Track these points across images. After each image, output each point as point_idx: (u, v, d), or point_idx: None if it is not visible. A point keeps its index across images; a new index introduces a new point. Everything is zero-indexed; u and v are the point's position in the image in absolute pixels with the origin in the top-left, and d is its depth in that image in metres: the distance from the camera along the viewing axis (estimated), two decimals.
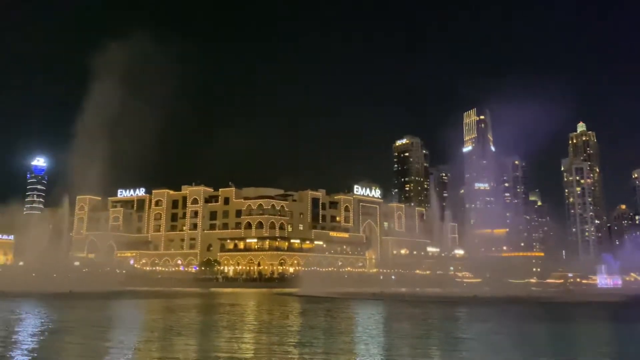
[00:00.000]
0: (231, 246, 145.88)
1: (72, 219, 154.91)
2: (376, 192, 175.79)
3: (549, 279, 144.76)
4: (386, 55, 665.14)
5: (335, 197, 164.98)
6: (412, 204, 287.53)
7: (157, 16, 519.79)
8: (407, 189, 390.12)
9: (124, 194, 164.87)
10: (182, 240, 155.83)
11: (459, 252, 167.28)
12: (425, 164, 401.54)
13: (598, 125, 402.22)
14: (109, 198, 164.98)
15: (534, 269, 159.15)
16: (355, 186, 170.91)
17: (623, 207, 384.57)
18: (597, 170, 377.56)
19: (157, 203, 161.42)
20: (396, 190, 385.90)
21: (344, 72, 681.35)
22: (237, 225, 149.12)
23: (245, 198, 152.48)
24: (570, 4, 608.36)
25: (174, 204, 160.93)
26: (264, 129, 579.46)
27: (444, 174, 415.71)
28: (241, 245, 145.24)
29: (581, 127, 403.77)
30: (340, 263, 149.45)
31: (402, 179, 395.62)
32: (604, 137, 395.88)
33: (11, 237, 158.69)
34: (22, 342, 24.33)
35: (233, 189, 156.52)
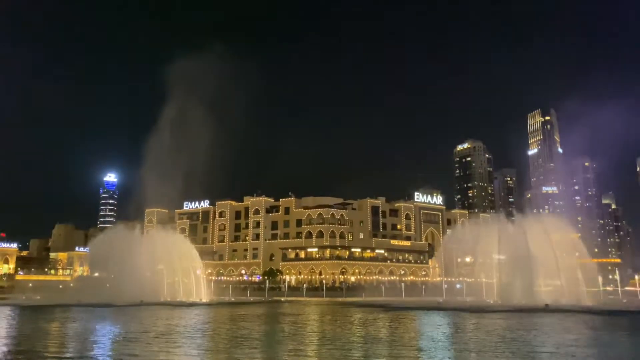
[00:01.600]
0: (292, 255, 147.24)
1: (142, 231, 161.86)
2: (437, 199, 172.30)
3: (628, 287, 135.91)
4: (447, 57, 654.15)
5: (396, 205, 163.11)
6: (476, 210, 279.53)
7: (221, 29, 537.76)
8: (470, 194, 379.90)
9: (189, 206, 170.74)
10: (245, 250, 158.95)
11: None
12: (488, 169, 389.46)
13: None
14: (176, 210, 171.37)
15: (610, 276, 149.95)
16: (416, 193, 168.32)
17: None
18: None
19: (221, 214, 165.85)
20: (459, 196, 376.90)
21: (405, 76, 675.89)
22: (298, 235, 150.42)
23: (305, 207, 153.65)
24: None
25: (237, 214, 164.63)
26: (324, 138, 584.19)
27: (509, 178, 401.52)
28: (302, 254, 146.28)
29: None
30: (402, 272, 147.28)
31: (465, 185, 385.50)
32: None
33: (87, 249, 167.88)
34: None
35: (293, 198, 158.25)
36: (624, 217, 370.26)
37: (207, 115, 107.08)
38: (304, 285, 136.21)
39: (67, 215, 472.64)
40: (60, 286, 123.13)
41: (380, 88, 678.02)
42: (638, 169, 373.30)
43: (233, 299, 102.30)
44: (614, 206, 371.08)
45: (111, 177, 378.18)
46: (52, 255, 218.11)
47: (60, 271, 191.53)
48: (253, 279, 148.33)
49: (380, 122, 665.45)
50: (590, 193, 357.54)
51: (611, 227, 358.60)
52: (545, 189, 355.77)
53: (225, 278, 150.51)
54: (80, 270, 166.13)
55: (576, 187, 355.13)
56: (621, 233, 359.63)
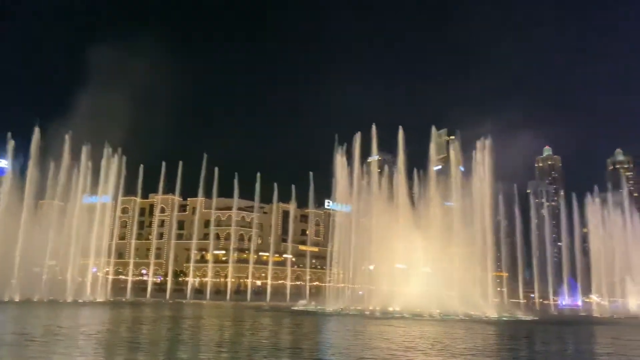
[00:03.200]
0: (198, 257, 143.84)
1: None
2: (347, 207, 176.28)
3: (513, 299, 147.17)
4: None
5: (306, 211, 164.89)
6: None
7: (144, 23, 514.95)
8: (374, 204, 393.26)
9: (88, 200, 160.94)
10: (148, 249, 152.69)
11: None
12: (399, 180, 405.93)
13: (562, 149, 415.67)
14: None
15: (498, 289, 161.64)
16: (327, 200, 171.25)
17: (585, 229, 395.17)
18: (562, 193, 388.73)
19: (124, 211, 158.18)
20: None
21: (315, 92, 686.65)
22: (206, 236, 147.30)
23: (216, 209, 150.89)
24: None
25: (142, 212, 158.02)
26: (236, 140, 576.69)
27: (412, 191, 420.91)
28: (208, 256, 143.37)
29: (547, 151, 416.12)
30: (309, 277, 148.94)
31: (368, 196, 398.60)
32: (567, 159, 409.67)
33: None
34: None
35: (202, 199, 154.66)
36: (513, 234, 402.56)
37: (119, 108, 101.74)
38: (208, 287, 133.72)
39: None
40: None
41: (299, 97, 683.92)
42: (528, 191, 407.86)
43: (131, 300, 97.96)
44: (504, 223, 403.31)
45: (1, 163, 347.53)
46: None
47: None
48: (154, 279, 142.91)
49: (299, 130, 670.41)
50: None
51: (502, 243, 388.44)
52: (446, 204, 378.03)
53: (124, 277, 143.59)
54: None
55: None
56: (509, 249, 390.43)
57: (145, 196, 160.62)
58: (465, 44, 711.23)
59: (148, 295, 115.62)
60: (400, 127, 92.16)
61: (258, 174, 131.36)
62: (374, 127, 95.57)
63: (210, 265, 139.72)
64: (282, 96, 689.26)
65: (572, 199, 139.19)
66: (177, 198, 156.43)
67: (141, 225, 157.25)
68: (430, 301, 68.42)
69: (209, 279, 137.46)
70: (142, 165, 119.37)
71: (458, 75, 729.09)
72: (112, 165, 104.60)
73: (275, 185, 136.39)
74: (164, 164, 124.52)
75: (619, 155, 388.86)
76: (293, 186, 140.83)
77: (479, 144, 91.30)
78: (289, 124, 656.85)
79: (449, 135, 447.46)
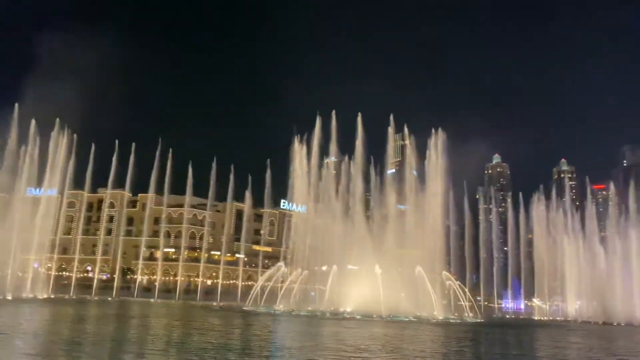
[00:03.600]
0: (147, 254, 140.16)
1: None
2: (303, 208, 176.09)
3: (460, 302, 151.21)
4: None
5: (261, 211, 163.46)
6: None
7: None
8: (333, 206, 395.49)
9: (32, 192, 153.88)
10: (94, 245, 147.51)
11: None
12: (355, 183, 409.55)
13: (511, 156, 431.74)
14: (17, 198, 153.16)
15: (446, 291, 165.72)
16: (283, 200, 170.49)
17: (530, 235, 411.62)
18: (509, 199, 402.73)
19: (71, 205, 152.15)
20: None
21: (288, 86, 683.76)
22: (155, 234, 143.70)
23: (167, 205, 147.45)
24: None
25: (89, 206, 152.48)
26: (192, 135, 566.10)
27: (368, 194, 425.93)
28: (157, 254, 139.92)
29: (496, 158, 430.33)
30: (260, 277, 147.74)
31: (330, 196, 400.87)
32: (515, 167, 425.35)
33: None
34: None
35: (153, 195, 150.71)
36: (463, 238, 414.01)
37: (68, 95, 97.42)
38: (157, 286, 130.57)
39: None
40: None
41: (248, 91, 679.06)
42: (477, 196, 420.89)
43: (74, 297, 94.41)
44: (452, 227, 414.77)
45: None
46: None
47: None
48: (101, 276, 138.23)
49: (263, 127, 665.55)
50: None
51: (449, 246, 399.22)
52: (399, 207, 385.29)
53: (68, 274, 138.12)
54: None
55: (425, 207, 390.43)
56: (459, 252, 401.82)
57: (94, 190, 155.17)
58: (422, 51, 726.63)
59: (93, 292, 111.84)
60: (360, 113, 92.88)
61: (213, 170, 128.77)
62: (333, 115, 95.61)
63: (160, 263, 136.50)
64: (242, 89, 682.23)
65: (520, 206, 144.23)
66: (127, 193, 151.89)
67: (88, 220, 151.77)
68: (381, 303, 69.22)
69: (157, 277, 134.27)
70: (92, 153, 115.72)
71: (413, 80, 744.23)
72: (60, 157, 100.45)
73: (231, 182, 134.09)
74: (114, 158, 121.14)
75: (564, 165, 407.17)
76: (249, 186, 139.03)
77: (432, 139, 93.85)
78: (249, 118, 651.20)
79: (403, 139, 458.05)
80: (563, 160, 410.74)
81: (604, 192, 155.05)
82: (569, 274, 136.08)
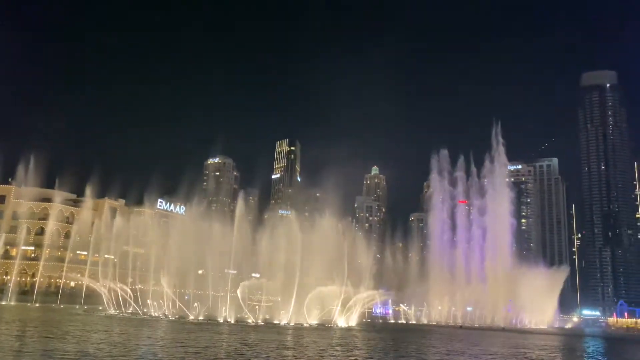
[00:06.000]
0: (1, 252, 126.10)
1: None
2: (181, 209, 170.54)
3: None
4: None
5: (136, 209, 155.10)
6: (218, 224, 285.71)
7: None
8: (214, 208, 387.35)
9: None
10: None
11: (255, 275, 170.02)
12: (235, 186, 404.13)
13: (388, 170, 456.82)
14: None
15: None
16: (159, 200, 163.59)
17: (400, 244, 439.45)
18: (384, 209, 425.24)
19: None
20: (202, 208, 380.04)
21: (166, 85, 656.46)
22: (13, 229, 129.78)
23: (28, 199, 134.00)
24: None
25: None
26: (63, 124, 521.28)
27: (251, 198, 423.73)
28: (13, 252, 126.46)
29: (374, 170, 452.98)
30: (130, 280, 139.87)
31: (211, 198, 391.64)
32: (391, 180, 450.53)
33: None
34: None
35: (13, 187, 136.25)
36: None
37: None
38: (10, 287, 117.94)
39: None
40: None
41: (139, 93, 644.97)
42: (355, 205, 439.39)
43: None
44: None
45: None
46: None
47: None
48: None
49: (137, 122, 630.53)
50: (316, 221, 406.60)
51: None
52: (281, 212, 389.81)
53: None
54: None
55: (306, 214, 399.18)
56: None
57: None
58: (302, 59, 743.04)
59: None
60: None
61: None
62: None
63: (17, 262, 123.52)
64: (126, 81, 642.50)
65: (393, 215, 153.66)
66: None
67: None
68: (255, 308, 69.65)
69: (12, 277, 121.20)
70: None
71: (301, 90, 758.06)
72: None
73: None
74: None
75: (434, 180, 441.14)
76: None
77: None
78: (134, 113, 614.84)
79: (290, 145, 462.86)
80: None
81: (466, 207, 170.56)
82: (432, 281, 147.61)
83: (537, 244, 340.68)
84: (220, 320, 69.46)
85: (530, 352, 46.40)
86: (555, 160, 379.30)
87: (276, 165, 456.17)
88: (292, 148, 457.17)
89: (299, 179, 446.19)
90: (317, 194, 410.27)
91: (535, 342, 61.57)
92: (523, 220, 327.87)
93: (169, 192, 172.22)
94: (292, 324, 72.04)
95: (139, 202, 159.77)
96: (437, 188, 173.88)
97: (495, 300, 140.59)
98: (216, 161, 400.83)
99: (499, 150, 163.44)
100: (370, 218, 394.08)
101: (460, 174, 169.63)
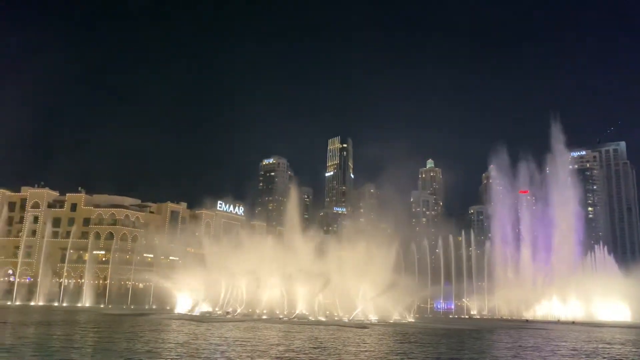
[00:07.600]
0: (75, 257, 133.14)
1: None
2: (240, 210, 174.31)
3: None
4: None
5: (197, 212, 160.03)
6: (274, 223, 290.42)
7: None
8: (270, 208, 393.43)
9: None
10: (17, 247, 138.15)
11: None
12: (289, 185, 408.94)
13: (443, 163, 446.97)
14: None
15: None
16: (219, 202, 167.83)
17: (460, 238, 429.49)
18: (441, 203, 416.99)
19: None
20: (259, 208, 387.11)
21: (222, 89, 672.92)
22: (84, 235, 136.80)
23: (96, 206, 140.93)
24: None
25: (11, 206, 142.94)
26: (124, 134, 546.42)
27: (306, 196, 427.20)
28: (86, 256, 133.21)
29: (430, 163, 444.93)
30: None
31: (267, 198, 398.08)
32: (448, 173, 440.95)
33: None
34: None
35: (82, 194, 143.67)
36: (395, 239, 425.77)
37: None
38: (84, 290, 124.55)
39: None
40: None
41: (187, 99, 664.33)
42: (411, 200, 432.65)
43: None
44: (389, 230, 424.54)
45: None
46: None
47: None
48: (23, 280, 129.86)
49: (191, 128, 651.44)
50: (372, 216, 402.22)
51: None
52: (336, 209, 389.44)
53: None
54: None
55: (361, 210, 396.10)
56: None
57: (17, 189, 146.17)
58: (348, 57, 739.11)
59: (14, 297, 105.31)
60: None
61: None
62: None
63: (87, 266, 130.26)
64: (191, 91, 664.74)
65: (450, 209, 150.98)
66: (53, 192, 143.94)
67: (10, 221, 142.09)
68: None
69: (85, 281, 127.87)
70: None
71: (354, 88, 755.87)
72: None
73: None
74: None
75: (493, 171, 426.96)
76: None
77: None
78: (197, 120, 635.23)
79: (342, 143, 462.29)
80: (492, 166, 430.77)
81: (528, 197, 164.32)
82: (496, 275, 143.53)
83: (606, 233, 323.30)
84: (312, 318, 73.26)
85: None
86: (622, 144, 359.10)
87: (329, 163, 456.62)
88: (344, 145, 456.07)
89: (352, 175, 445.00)
90: (372, 190, 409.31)
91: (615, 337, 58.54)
92: (590, 209, 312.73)
93: (228, 194, 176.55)
94: (353, 320, 73.15)
95: (200, 205, 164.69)
96: (497, 179, 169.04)
97: (563, 296, 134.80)
98: (270, 162, 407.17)
99: (559, 137, 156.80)
100: (427, 212, 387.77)
101: (521, 163, 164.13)
